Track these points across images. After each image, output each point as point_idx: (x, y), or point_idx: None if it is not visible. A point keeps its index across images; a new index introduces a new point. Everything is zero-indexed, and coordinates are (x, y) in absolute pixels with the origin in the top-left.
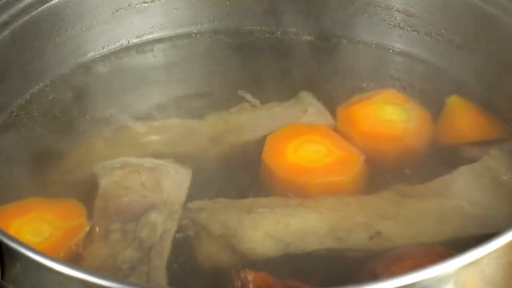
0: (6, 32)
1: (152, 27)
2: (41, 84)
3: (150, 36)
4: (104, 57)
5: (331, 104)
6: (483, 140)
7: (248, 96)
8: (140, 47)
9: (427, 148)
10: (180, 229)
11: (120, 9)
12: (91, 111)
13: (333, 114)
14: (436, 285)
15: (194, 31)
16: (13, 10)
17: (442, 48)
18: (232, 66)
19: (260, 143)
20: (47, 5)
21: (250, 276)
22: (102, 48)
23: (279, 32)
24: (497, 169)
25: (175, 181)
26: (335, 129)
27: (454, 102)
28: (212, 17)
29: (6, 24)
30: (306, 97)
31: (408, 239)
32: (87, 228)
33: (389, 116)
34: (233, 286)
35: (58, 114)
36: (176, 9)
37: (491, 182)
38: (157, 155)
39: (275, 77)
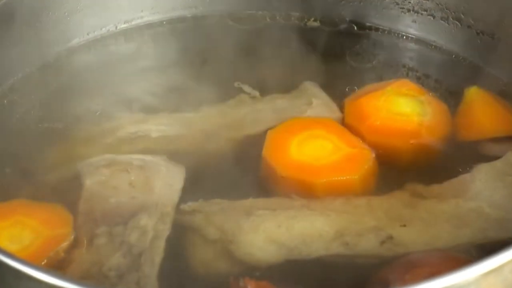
0: None
1: (142, 11)
2: (20, 74)
3: (139, 21)
4: (89, 44)
5: (338, 95)
6: (505, 136)
7: (246, 87)
8: (129, 33)
9: (444, 144)
10: (172, 233)
11: None
12: (75, 103)
13: (340, 106)
14: None
15: (188, 15)
16: None
17: (460, 34)
18: (229, 54)
19: (260, 138)
20: None
21: (250, 285)
22: (87, 34)
23: (281, 17)
24: None
25: (167, 181)
26: (343, 123)
27: (474, 93)
28: None
29: None
30: (311, 88)
31: (423, 244)
32: (71, 238)
33: (402, 109)
34: None
35: (39, 107)
36: None
37: None
38: (147, 151)
39: (276, 66)
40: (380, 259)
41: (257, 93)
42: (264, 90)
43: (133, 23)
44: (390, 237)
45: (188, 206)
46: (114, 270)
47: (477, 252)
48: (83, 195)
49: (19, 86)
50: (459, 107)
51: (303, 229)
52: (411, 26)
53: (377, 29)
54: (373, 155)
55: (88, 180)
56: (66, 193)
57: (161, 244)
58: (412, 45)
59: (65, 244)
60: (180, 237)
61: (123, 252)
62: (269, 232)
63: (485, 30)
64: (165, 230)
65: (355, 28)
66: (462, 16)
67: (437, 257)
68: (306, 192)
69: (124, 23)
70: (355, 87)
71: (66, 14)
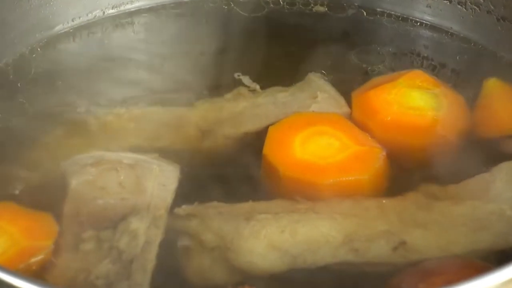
0: None
1: None
2: None
3: (129, 6)
4: (74, 31)
5: (345, 88)
6: None
7: (246, 80)
8: (118, 20)
9: (461, 141)
10: (165, 238)
11: None
12: (59, 96)
13: (348, 100)
14: None
15: (184, 0)
16: None
17: (479, 20)
18: (228, 43)
19: (260, 135)
20: None
21: None
22: (72, 20)
23: (285, 2)
24: None
25: (160, 181)
26: (351, 119)
27: (494, 85)
28: None
29: None
30: (316, 80)
31: (439, 250)
32: (48, 252)
33: (416, 102)
34: None
35: (19, 99)
36: None
37: None
38: (138, 149)
39: (279, 56)
40: (392, 267)
41: (257, 86)
42: (265, 83)
43: (122, 8)
44: (403, 243)
45: (183, 209)
46: (102, 278)
47: (497, 258)
48: (68, 196)
49: None
50: (477, 100)
51: (308, 235)
52: (425, 12)
53: (389, 15)
54: (384, 153)
55: (73, 180)
56: (49, 193)
57: (153, 250)
58: (426, 33)
59: (39, 258)
60: (174, 243)
61: (112, 258)
62: (271, 238)
63: (506, 16)
64: (158, 234)
65: (365, 14)
66: (481, 1)
67: (454, 264)
68: (311, 193)
69: (112, 9)
70: (364, 79)
71: None
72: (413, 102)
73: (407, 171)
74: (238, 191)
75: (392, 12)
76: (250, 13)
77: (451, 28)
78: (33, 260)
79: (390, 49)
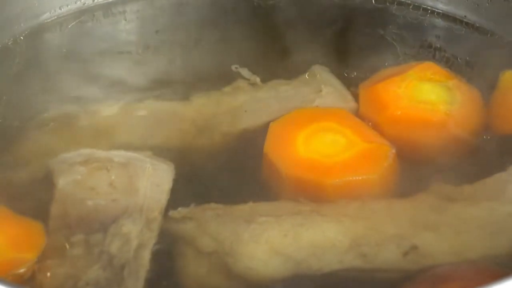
0: None
1: None
2: None
3: None
4: (62, 20)
5: (352, 81)
6: None
7: (245, 72)
8: (108, 8)
9: (476, 138)
10: (160, 242)
11: None
12: (45, 90)
13: (355, 94)
14: None
15: None
16: None
17: (495, 8)
18: (226, 33)
19: (261, 132)
20: None
21: None
22: (60, 8)
23: None
24: None
25: (154, 181)
26: (357, 114)
27: (510, 78)
28: None
29: None
30: (320, 73)
31: (452, 255)
32: (31, 265)
33: (427, 96)
34: None
35: (3, 93)
36: None
37: None
38: (130, 146)
39: (281, 47)
40: (402, 273)
41: (257, 79)
42: (266, 75)
43: None
44: (414, 247)
45: (178, 212)
46: (92, 284)
47: None
48: (55, 197)
49: None
50: (493, 94)
51: (312, 239)
52: None
53: (399, 3)
54: (393, 151)
55: (61, 180)
56: (35, 194)
57: (146, 255)
58: (439, 22)
59: (20, 271)
60: (169, 247)
61: (103, 263)
62: (273, 242)
63: None
64: (152, 238)
65: (373, 1)
66: None
67: (468, 270)
68: (315, 194)
69: None
70: (372, 72)
71: None
72: (425, 95)
73: (418, 170)
74: (237, 192)
75: (403, 0)
76: (248, 1)
77: (465, 17)
78: (13, 273)
79: (400, 40)
